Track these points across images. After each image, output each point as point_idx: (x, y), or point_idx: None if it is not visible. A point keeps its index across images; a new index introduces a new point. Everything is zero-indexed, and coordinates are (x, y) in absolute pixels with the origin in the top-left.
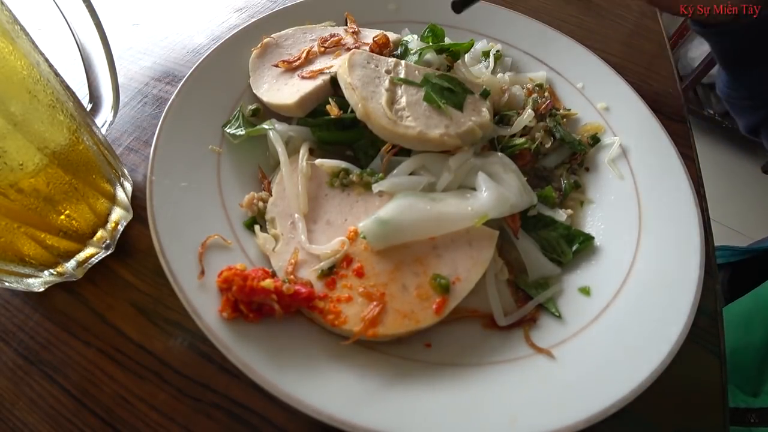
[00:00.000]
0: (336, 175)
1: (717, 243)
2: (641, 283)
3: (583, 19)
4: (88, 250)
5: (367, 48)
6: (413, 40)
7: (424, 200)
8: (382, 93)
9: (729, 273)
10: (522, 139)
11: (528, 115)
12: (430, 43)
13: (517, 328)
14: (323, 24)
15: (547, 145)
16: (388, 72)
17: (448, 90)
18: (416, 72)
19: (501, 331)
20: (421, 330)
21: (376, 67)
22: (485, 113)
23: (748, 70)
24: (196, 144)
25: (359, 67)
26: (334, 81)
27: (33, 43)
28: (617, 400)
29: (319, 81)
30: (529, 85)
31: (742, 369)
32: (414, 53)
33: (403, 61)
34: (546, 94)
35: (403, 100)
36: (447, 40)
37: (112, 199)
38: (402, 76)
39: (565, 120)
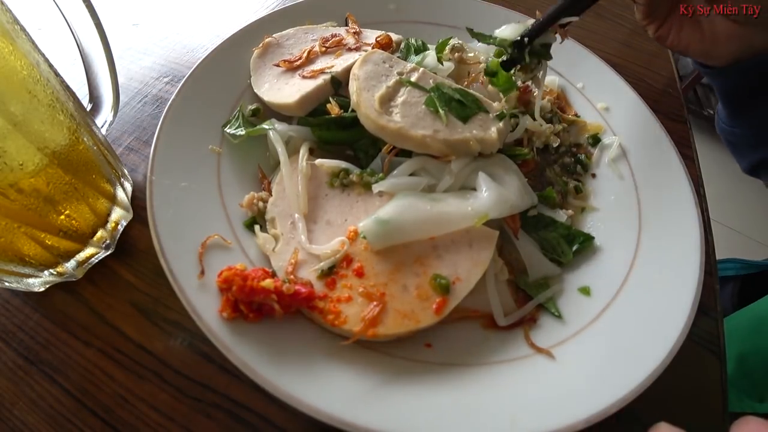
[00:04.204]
0: (336, 175)
1: (720, 245)
2: (641, 283)
3: (583, 19)
4: (88, 250)
5: (369, 48)
6: (430, 55)
7: (424, 200)
8: (381, 88)
9: (739, 285)
10: (525, 149)
11: (547, 128)
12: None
13: (517, 328)
14: (325, 24)
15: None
16: (400, 74)
17: (457, 101)
18: (431, 80)
19: (501, 331)
20: (421, 330)
21: (390, 67)
22: (492, 132)
23: (751, 108)
24: (196, 144)
25: (371, 64)
26: (334, 80)
27: (33, 43)
28: (617, 400)
29: (319, 80)
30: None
31: (751, 374)
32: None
33: (421, 68)
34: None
35: (401, 100)
36: (430, 47)
37: (112, 199)
38: (413, 80)
39: (566, 125)
